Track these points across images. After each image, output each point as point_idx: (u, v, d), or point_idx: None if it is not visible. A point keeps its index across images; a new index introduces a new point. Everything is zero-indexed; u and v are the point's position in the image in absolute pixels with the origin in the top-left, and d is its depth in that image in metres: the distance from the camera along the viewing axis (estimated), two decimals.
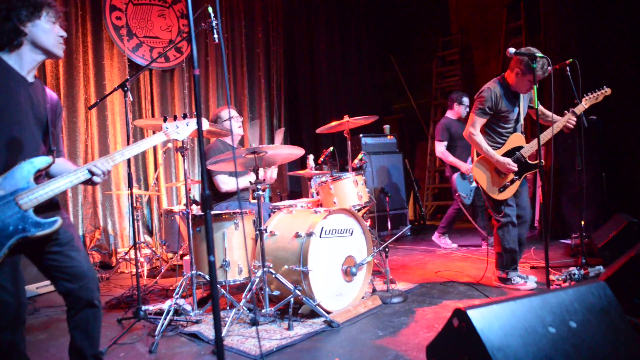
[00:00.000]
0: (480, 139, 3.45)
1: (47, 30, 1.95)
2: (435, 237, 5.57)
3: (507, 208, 3.46)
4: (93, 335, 2.05)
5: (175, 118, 2.43)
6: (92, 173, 1.96)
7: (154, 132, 5.89)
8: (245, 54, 6.90)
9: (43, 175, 1.99)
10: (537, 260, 4.29)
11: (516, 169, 3.41)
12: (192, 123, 2.39)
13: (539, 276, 3.64)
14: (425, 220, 7.67)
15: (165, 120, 2.41)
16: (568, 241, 4.98)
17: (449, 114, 5.51)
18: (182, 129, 2.37)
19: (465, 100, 5.46)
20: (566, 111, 3.48)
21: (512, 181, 3.44)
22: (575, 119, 3.45)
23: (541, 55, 3.10)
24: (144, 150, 5.84)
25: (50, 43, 1.97)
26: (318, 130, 4.41)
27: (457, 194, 5.18)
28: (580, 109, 3.45)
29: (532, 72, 3.10)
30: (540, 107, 3.63)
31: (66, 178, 1.92)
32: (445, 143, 5.30)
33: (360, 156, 4.63)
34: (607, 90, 3.50)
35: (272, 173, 4.09)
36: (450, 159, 5.23)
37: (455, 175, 5.21)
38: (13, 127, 1.88)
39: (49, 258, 1.95)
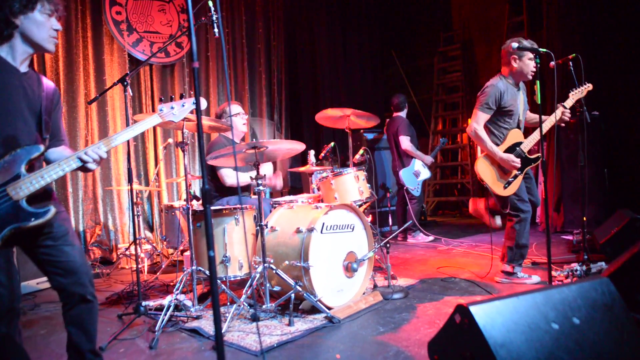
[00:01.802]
0: (484, 135, 3.45)
1: (40, 24, 1.91)
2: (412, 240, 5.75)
3: (523, 205, 3.48)
4: (89, 330, 2.04)
5: (171, 99, 2.32)
6: (83, 161, 1.92)
7: (154, 127, 5.91)
8: (246, 49, 6.87)
9: (39, 164, 1.97)
10: (539, 257, 4.28)
11: (519, 165, 3.42)
12: (188, 104, 2.27)
13: (541, 272, 3.63)
14: (427, 216, 7.65)
15: (161, 101, 2.32)
16: (569, 237, 4.97)
17: (403, 114, 5.87)
18: (178, 110, 2.25)
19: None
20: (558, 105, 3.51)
21: (515, 176, 3.46)
22: (569, 111, 3.49)
23: (544, 50, 3.09)
24: (145, 146, 5.86)
25: (41, 37, 1.92)
26: (317, 117, 4.36)
27: (405, 187, 5.58)
28: (569, 103, 3.51)
29: (524, 51, 3.31)
30: (528, 113, 3.73)
31: (57, 167, 1.89)
32: (409, 138, 5.65)
33: (361, 151, 4.62)
34: (589, 86, 3.56)
35: (277, 180, 4.10)
36: (416, 152, 5.63)
37: (402, 171, 5.62)
38: (6, 118, 1.86)
39: (43, 252, 1.94)
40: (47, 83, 2.06)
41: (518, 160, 3.41)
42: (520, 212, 3.47)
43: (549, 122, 3.43)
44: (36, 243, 1.92)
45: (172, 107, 2.24)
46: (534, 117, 3.69)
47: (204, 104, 2.35)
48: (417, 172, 5.63)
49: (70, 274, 1.95)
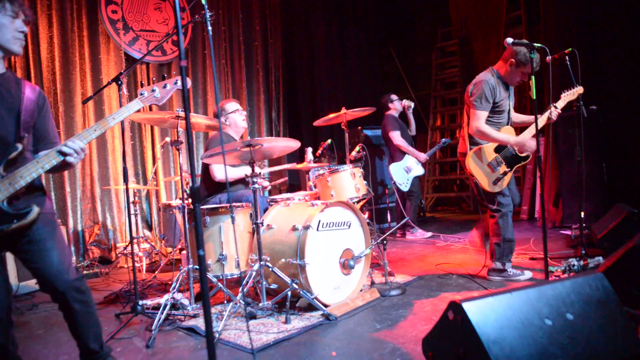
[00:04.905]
0: (488, 129, 3.39)
1: (2, 26, 1.89)
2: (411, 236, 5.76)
3: (503, 198, 3.47)
4: (76, 330, 2.05)
5: (153, 82, 2.24)
6: (63, 154, 1.88)
7: (151, 126, 5.90)
8: (243, 47, 6.86)
9: (21, 162, 1.92)
10: (537, 252, 4.27)
11: (535, 146, 3.25)
12: (170, 84, 2.18)
13: (539, 267, 3.63)
14: (425, 212, 7.65)
15: (141, 86, 2.24)
16: (568, 232, 4.96)
17: (392, 112, 5.89)
18: (160, 92, 2.17)
19: (393, 96, 5.95)
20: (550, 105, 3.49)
21: (505, 173, 3.44)
22: (559, 110, 3.48)
23: (539, 45, 3.06)
24: (143, 145, 5.86)
25: (4, 39, 1.91)
26: (315, 123, 4.38)
27: (393, 181, 5.56)
28: (560, 104, 3.50)
29: (526, 65, 3.25)
30: (513, 113, 3.68)
31: (36, 164, 1.85)
32: (399, 132, 5.64)
33: (357, 148, 4.61)
34: (580, 88, 3.56)
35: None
36: (408, 148, 5.62)
37: (391, 165, 5.64)
38: None
39: (24, 258, 1.92)
40: (30, 86, 2.04)
41: (534, 142, 3.26)
42: (501, 206, 3.46)
43: (540, 121, 3.39)
44: (18, 246, 1.89)
45: (153, 90, 2.16)
46: (519, 118, 3.69)
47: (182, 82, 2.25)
48: (408, 168, 5.62)
49: (47, 282, 1.91)
